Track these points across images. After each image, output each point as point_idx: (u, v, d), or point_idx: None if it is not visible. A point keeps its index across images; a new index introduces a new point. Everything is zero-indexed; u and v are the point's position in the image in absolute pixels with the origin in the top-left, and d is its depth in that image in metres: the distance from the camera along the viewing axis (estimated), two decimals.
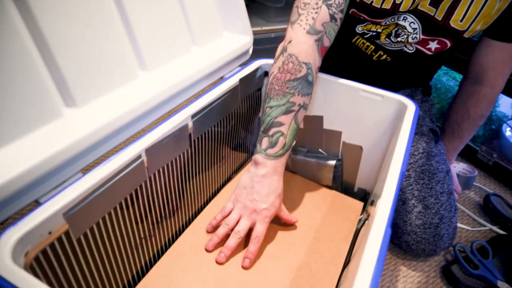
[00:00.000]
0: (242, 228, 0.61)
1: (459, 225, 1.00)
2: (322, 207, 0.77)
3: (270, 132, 0.60)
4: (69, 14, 0.49)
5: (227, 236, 0.63)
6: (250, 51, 0.81)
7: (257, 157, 0.61)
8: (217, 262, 0.61)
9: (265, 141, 0.61)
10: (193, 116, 0.61)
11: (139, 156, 0.51)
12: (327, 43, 0.63)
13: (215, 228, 0.66)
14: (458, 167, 1.16)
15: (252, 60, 0.77)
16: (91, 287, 0.50)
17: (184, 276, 0.60)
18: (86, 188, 0.45)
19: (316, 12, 0.61)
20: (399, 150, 0.57)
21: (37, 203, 0.44)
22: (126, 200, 0.52)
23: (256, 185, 0.61)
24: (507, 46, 0.75)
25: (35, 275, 0.41)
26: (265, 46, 1.47)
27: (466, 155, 1.28)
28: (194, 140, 0.63)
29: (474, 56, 0.82)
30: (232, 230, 0.62)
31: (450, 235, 0.80)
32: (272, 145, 0.60)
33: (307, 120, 0.79)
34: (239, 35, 0.79)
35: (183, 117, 0.59)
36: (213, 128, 0.68)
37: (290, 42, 0.61)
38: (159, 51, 0.64)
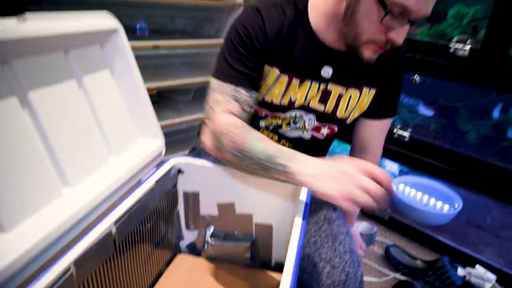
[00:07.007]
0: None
1: (368, 278, 1.13)
2: (243, 286, 0.84)
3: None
4: None
5: None
6: (163, 153, 0.91)
7: (296, 164, 0.70)
8: None
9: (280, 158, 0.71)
10: (115, 222, 0.67)
11: (68, 269, 0.56)
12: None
13: None
14: (360, 226, 1.32)
15: (166, 159, 0.86)
16: None
17: None
18: None
19: (228, 106, 0.78)
20: (294, 235, 0.68)
21: None
22: None
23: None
24: (378, 122, 0.99)
25: None
26: (178, 137, 1.58)
27: (365, 212, 1.46)
28: (119, 244, 0.69)
29: (356, 132, 1.03)
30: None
31: None
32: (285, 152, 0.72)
33: (220, 208, 0.88)
34: (152, 139, 0.89)
35: (106, 225, 0.64)
36: (136, 228, 0.74)
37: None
38: (80, 166, 0.71)
